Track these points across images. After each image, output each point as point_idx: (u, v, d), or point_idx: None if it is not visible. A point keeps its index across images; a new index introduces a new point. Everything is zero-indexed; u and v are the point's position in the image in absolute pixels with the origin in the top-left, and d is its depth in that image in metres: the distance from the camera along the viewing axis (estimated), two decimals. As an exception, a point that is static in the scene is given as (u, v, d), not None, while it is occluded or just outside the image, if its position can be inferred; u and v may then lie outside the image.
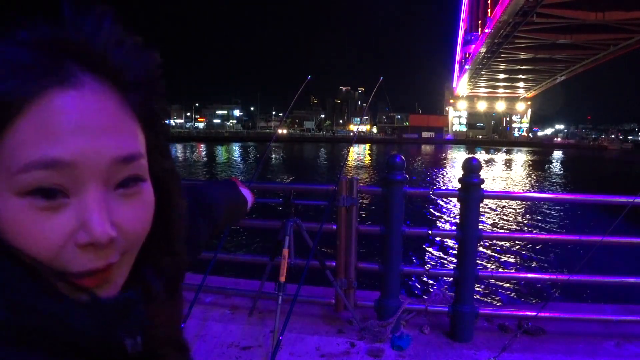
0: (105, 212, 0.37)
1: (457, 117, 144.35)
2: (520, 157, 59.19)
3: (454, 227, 3.09)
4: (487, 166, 39.01)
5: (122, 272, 0.40)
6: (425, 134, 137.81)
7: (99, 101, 0.37)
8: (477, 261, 3.07)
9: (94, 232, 0.36)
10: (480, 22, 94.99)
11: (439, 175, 30.93)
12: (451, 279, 3.13)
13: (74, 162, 0.35)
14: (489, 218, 13.72)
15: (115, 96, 0.38)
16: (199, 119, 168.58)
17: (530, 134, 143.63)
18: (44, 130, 0.34)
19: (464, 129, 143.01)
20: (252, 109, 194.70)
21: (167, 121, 0.45)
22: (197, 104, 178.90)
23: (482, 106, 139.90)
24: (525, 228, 13.23)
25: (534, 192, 22.50)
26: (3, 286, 0.34)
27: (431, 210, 14.51)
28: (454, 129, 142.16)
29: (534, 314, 2.96)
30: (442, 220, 13.62)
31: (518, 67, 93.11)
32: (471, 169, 2.92)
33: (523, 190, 23.87)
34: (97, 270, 0.37)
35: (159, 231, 0.45)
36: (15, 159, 0.34)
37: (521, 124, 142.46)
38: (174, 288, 0.50)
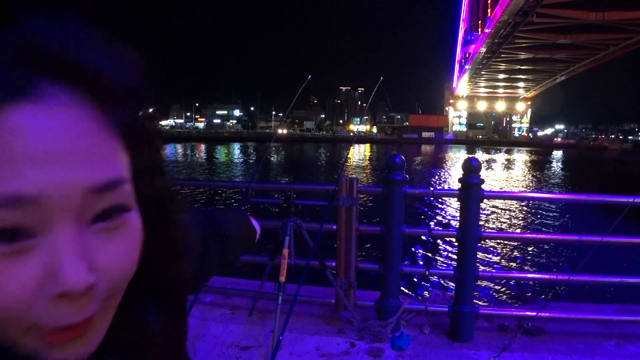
0: (79, 254, 0.30)
1: (457, 117, 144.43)
2: (521, 158, 59.20)
3: (454, 227, 3.09)
4: (487, 167, 39.00)
5: (103, 323, 0.33)
6: (425, 134, 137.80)
7: (68, 118, 0.29)
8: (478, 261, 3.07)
9: (66, 281, 0.28)
10: (480, 22, 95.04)
11: (439, 175, 30.93)
12: (451, 279, 3.13)
13: (37, 197, 0.28)
14: (489, 218, 13.72)
15: (88, 110, 0.31)
16: (198, 119, 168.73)
17: (530, 134, 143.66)
18: (2, 157, 0.27)
19: (464, 129, 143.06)
20: (252, 109, 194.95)
21: (157, 136, 0.38)
22: (197, 104, 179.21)
23: (482, 106, 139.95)
24: (525, 228, 13.23)
25: (534, 192, 22.50)
26: None
27: (431, 210, 14.51)
28: (454, 129, 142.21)
29: (534, 314, 2.96)
30: (443, 220, 13.62)
31: (518, 67, 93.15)
32: (471, 169, 2.92)
33: (523, 190, 23.88)
34: (71, 325, 0.30)
35: (163, 255, 0.39)
36: None
37: (521, 124, 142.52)
38: (178, 317, 0.44)
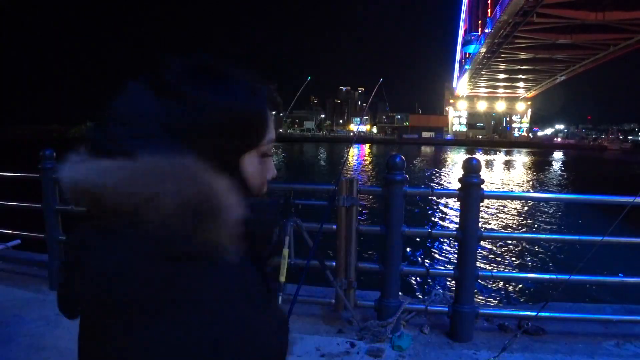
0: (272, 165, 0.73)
1: (457, 117, 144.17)
2: (521, 159, 59.19)
3: (454, 227, 3.09)
4: (488, 168, 38.96)
5: None
6: (425, 134, 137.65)
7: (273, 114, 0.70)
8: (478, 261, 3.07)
9: (275, 173, 0.73)
10: (480, 22, 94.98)
11: (440, 176, 30.91)
12: (451, 279, 3.13)
13: (274, 140, 0.70)
14: (488, 218, 13.72)
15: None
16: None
17: (530, 134, 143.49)
18: (270, 127, 0.69)
19: (464, 129, 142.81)
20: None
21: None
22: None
23: (482, 106, 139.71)
24: (525, 228, 13.22)
25: (534, 192, 22.49)
26: (241, 197, 0.60)
27: (431, 210, 14.51)
28: (454, 129, 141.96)
29: (534, 314, 2.96)
30: (442, 220, 13.62)
31: (518, 67, 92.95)
32: (471, 169, 2.92)
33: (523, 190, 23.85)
34: (263, 193, 0.71)
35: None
36: (264, 139, 0.68)
37: (521, 124, 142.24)
38: None
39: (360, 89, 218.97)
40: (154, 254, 0.52)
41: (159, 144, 0.56)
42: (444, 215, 14.16)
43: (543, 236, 7.04)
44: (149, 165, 0.53)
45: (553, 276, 3.34)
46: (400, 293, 3.17)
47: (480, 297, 6.60)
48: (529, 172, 36.94)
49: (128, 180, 0.52)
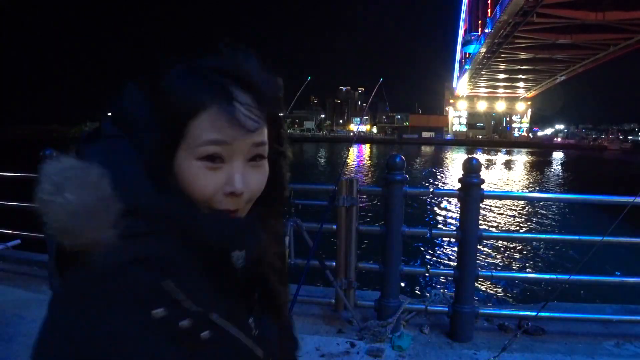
0: (241, 175, 0.59)
1: (457, 117, 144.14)
2: (521, 159, 59.17)
3: (454, 227, 3.09)
4: (488, 169, 38.95)
5: (243, 214, 0.62)
6: (425, 134, 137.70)
7: (245, 107, 0.58)
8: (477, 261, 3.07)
9: (234, 187, 0.58)
10: (480, 22, 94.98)
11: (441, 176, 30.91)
12: (451, 278, 3.13)
13: (229, 142, 0.57)
14: (488, 218, 13.72)
15: (255, 104, 0.59)
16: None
17: (530, 134, 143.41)
18: (216, 123, 0.56)
19: (464, 129, 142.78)
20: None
21: (282, 121, 0.67)
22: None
23: (482, 106, 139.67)
24: (525, 228, 13.22)
25: (534, 192, 22.49)
26: (175, 208, 0.56)
27: (431, 210, 14.51)
28: (454, 129, 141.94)
29: (534, 314, 2.96)
30: (443, 220, 13.62)
31: (518, 67, 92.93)
32: (471, 169, 2.92)
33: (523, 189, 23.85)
34: (230, 210, 0.59)
35: (273, 188, 0.67)
36: (197, 138, 0.56)
37: (521, 124, 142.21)
38: (279, 225, 0.72)
39: (360, 89, 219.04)
40: (52, 251, 0.55)
41: (108, 143, 0.60)
42: (444, 215, 14.16)
43: (543, 236, 7.05)
44: (54, 169, 0.53)
45: (553, 276, 3.34)
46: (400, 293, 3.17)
47: (480, 297, 6.60)
48: (529, 172, 36.93)
49: (39, 183, 0.52)
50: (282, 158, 0.69)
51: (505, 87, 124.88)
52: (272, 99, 0.61)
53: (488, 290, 7.12)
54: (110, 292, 0.49)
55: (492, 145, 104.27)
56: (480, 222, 3.01)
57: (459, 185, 2.97)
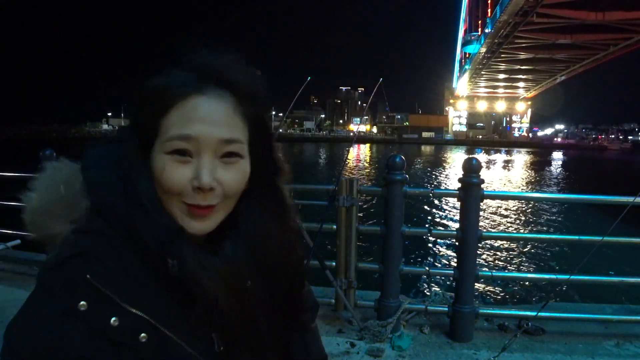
0: (209, 170, 0.60)
1: (457, 117, 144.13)
2: (521, 159, 59.16)
3: (454, 227, 3.08)
4: (488, 168, 38.93)
5: (221, 213, 0.63)
6: (425, 134, 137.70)
7: (219, 103, 0.60)
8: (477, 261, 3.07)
9: (201, 181, 0.59)
10: (480, 22, 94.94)
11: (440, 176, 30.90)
12: (451, 279, 3.13)
13: (197, 137, 0.59)
14: (489, 218, 13.71)
15: (230, 101, 0.61)
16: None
17: (530, 134, 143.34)
18: (183, 118, 0.59)
19: (464, 129, 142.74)
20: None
21: (268, 121, 0.67)
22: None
23: (482, 106, 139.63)
24: (525, 228, 13.22)
25: (534, 192, 22.50)
26: (126, 209, 0.58)
27: (431, 210, 14.50)
28: (454, 129, 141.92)
29: (534, 314, 2.96)
30: (443, 220, 13.62)
31: (518, 67, 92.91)
32: (471, 169, 2.92)
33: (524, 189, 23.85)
34: (201, 206, 0.60)
35: (267, 183, 0.69)
36: (166, 132, 0.59)
37: (521, 124, 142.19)
38: (282, 222, 0.71)
39: (360, 89, 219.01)
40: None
41: (106, 146, 0.65)
42: (444, 215, 14.15)
43: (543, 236, 7.06)
44: (46, 168, 0.62)
45: (553, 276, 3.34)
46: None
47: (480, 297, 6.60)
48: (529, 172, 36.92)
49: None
50: (269, 161, 0.69)
51: (505, 87, 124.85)
52: (248, 94, 0.62)
53: (488, 290, 7.12)
54: (46, 281, 0.54)
55: (492, 145, 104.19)
56: (480, 222, 3.01)
57: (458, 185, 2.98)
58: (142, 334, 0.54)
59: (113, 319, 0.53)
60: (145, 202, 0.58)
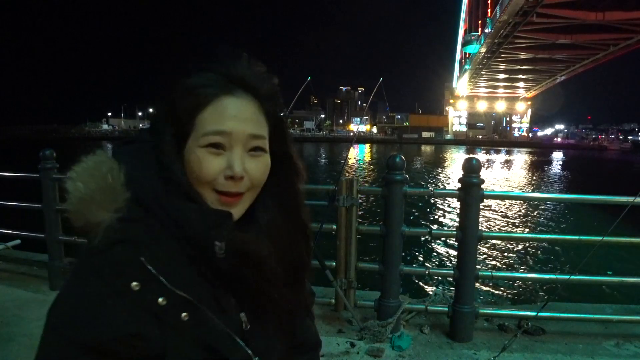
0: (240, 162, 0.68)
1: (457, 117, 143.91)
2: (521, 158, 59.16)
3: (454, 227, 3.08)
4: (488, 168, 38.91)
5: (246, 202, 0.71)
6: (425, 134, 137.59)
7: (246, 104, 0.69)
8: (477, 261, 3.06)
9: (234, 170, 0.67)
10: (480, 22, 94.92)
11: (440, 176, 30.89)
12: (451, 279, 3.13)
13: (229, 132, 0.67)
14: (489, 218, 13.71)
15: (254, 102, 0.70)
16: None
17: (530, 134, 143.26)
18: (218, 115, 0.67)
19: (464, 129, 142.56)
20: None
21: (283, 118, 0.75)
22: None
23: (482, 106, 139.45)
24: (525, 228, 13.22)
25: (534, 192, 22.48)
26: (168, 199, 0.63)
27: (431, 210, 14.50)
28: (454, 129, 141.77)
29: (534, 314, 2.96)
30: (443, 220, 13.61)
31: (518, 67, 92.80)
32: (471, 169, 2.92)
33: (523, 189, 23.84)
34: (231, 193, 0.68)
35: (282, 179, 0.77)
36: (202, 128, 0.67)
37: (521, 124, 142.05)
38: (293, 215, 0.79)
39: (360, 89, 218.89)
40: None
41: (136, 146, 0.70)
42: (444, 215, 14.15)
43: (543, 236, 7.05)
44: (82, 163, 0.65)
45: (553, 276, 3.34)
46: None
47: (481, 297, 6.60)
48: (529, 172, 36.90)
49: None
50: (285, 154, 0.76)
51: (505, 87, 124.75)
52: (268, 97, 0.71)
53: (488, 290, 7.12)
54: (94, 264, 0.59)
55: (492, 145, 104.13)
56: (480, 222, 3.01)
57: (458, 185, 2.98)
58: (184, 313, 0.61)
59: (161, 299, 0.59)
60: (189, 191, 0.65)
